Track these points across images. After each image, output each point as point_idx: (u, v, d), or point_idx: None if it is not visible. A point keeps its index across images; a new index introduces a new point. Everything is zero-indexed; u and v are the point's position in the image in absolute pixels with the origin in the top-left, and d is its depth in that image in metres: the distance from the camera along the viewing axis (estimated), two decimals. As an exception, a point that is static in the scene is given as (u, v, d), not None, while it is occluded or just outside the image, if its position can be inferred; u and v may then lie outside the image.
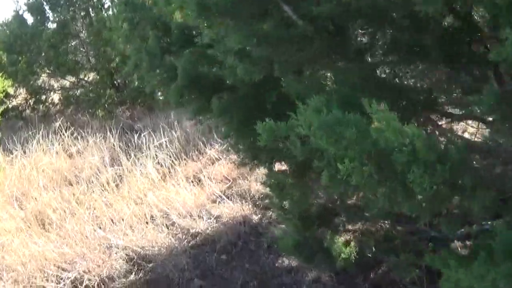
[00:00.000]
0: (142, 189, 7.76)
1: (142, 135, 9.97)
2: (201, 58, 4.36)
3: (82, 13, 12.51)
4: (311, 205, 4.84)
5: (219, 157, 8.93)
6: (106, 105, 12.36)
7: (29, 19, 13.13)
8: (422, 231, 4.69)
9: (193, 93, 4.35)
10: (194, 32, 4.70)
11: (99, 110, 12.32)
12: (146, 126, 10.91)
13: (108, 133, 9.92)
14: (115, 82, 12.90)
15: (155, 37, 4.72)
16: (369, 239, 4.89)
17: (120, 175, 8.31)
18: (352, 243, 4.71)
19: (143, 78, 5.36)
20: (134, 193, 7.67)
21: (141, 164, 8.49)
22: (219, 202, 7.48)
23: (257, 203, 7.36)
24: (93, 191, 7.84)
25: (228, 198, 7.51)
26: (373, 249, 4.80)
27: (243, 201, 7.44)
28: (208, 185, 7.94)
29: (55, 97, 13.96)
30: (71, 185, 8.41)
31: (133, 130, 11.13)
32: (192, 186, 8.02)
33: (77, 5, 12.49)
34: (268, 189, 5.07)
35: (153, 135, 9.73)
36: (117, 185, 7.99)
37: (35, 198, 7.84)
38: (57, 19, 12.71)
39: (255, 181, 7.87)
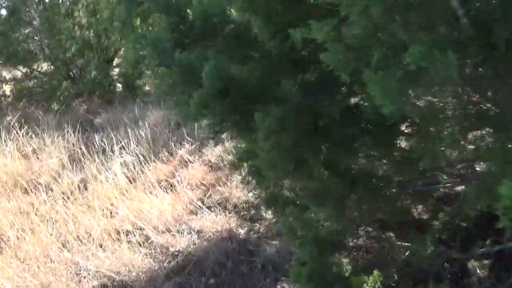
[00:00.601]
0: (110, 198, 6.68)
1: (104, 133, 8.90)
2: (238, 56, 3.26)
3: (35, -2, 11.20)
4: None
5: (192, 159, 7.91)
6: (61, 97, 11.14)
7: (-21, 5, 11.73)
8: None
9: (224, 104, 3.19)
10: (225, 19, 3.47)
11: (55, 104, 11.09)
12: (108, 122, 9.80)
13: (66, 131, 8.74)
14: (70, 73, 11.67)
15: (166, 25, 3.48)
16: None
17: (84, 181, 7.21)
18: (375, 272, 3.78)
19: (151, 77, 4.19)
20: (101, 203, 6.60)
21: (106, 169, 7.41)
22: (198, 213, 6.50)
23: (242, 213, 6.42)
24: (54, 201, 6.75)
25: (208, 208, 6.55)
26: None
27: (226, 212, 6.49)
28: (184, 192, 6.96)
29: (7, 88, 12.60)
30: (28, 192, 7.29)
31: (93, 126, 10.02)
32: (165, 193, 7.00)
33: (29, -11, 11.18)
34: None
35: (116, 133, 8.66)
36: (80, 193, 6.89)
37: (-14, 210, 6.71)
38: (8, 5, 11.34)
39: (236, 188, 6.90)
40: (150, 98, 11.85)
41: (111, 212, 6.56)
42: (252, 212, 6.48)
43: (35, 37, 11.87)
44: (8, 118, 10.82)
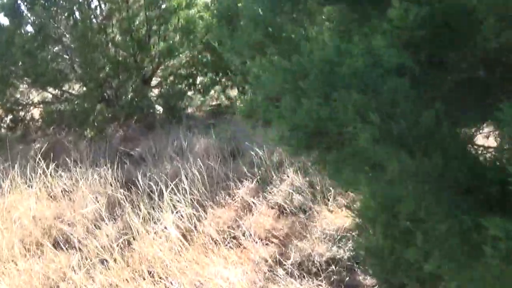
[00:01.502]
0: (161, 260, 5.00)
1: (146, 166, 7.24)
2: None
3: (65, 13, 9.48)
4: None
5: (256, 201, 6.22)
6: (95, 122, 9.47)
7: (6, 22, 10.02)
8: None
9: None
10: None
11: (88, 129, 9.42)
12: (149, 152, 8.13)
13: (103, 166, 7.05)
14: (105, 94, 9.99)
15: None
16: None
17: (126, 236, 5.53)
18: None
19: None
20: (149, 267, 4.94)
21: (153, 219, 5.73)
22: (276, 279, 4.77)
23: (332, 278, 4.75)
24: (90, 265, 5.08)
25: (288, 274, 4.82)
26: None
27: (311, 276, 4.78)
28: (253, 247, 5.25)
29: (36, 112, 10.94)
30: (57, 248, 5.61)
31: (132, 157, 8.34)
32: (229, 248, 5.31)
33: (59, 4, 9.48)
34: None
35: (161, 168, 7.03)
36: (123, 253, 5.21)
37: (8, 274, 5.08)
38: (35, 21, 9.65)
39: (318, 241, 5.23)
40: (196, 122, 10.16)
41: (160, 278, 4.87)
42: (346, 277, 4.82)
43: (65, 56, 10.19)
44: (36, 146, 9.21)
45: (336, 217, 5.74)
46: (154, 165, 7.57)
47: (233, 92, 11.86)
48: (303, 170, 7.03)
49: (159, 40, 10.06)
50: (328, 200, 6.11)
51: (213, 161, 7.42)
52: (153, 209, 5.82)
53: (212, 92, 11.30)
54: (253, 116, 3.69)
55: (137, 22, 9.45)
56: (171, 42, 10.05)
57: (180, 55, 10.53)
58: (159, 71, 10.56)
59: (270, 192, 6.56)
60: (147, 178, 6.96)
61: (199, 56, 10.79)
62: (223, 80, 11.35)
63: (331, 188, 6.27)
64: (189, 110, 11.04)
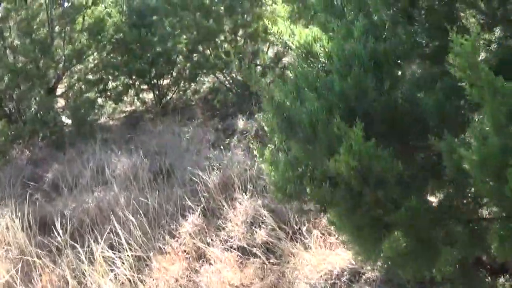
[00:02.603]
0: None
1: (61, 197, 5.66)
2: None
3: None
4: None
5: (209, 241, 4.82)
6: (-4, 144, 7.62)
7: None
8: None
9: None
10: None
11: (-13, 153, 7.58)
12: (63, 179, 6.46)
13: (10, 207, 5.39)
14: (5, 109, 8.12)
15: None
16: None
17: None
18: None
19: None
20: None
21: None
22: None
23: None
24: None
25: None
26: None
27: None
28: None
29: None
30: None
31: (42, 187, 6.62)
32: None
33: None
34: None
35: (79, 200, 5.48)
36: None
37: None
38: None
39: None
40: (111, 133, 8.52)
41: None
42: None
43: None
44: None
45: (319, 260, 4.39)
46: (71, 198, 5.95)
47: (149, 96, 10.27)
48: (259, 193, 5.64)
49: (64, 43, 8.32)
50: (302, 235, 4.76)
51: (142, 186, 5.93)
52: (83, 274, 4.24)
53: (125, 97, 9.66)
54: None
55: (37, 22, 7.68)
56: (77, 44, 8.34)
57: (88, 58, 8.83)
58: (64, 78, 8.81)
59: (222, 228, 5.14)
60: (66, 217, 5.37)
61: (109, 57, 9.13)
62: (137, 83, 9.73)
63: (300, 218, 4.93)
64: (101, 119, 9.36)
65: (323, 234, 4.88)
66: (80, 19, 8.44)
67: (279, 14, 3.20)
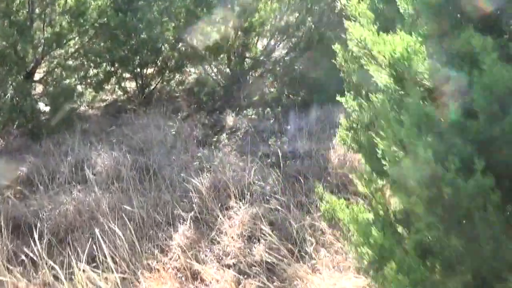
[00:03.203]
0: None
1: (40, 209, 5.07)
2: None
3: None
4: None
5: (201, 257, 4.28)
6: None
7: None
8: None
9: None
10: None
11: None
12: (37, 175, 5.83)
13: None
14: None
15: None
16: None
17: None
18: None
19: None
20: None
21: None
22: None
23: None
24: None
25: None
26: None
27: None
28: None
29: None
30: None
31: (17, 180, 5.98)
32: None
33: None
34: None
35: (57, 206, 4.90)
36: None
37: None
38: None
39: None
40: (91, 124, 7.89)
41: None
42: None
43: None
44: None
45: (329, 285, 3.88)
46: (47, 197, 5.33)
47: (131, 84, 9.63)
48: (255, 201, 5.11)
49: (44, 25, 7.64)
50: (307, 255, 4.25)
51: (126, 187, 5.35)
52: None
53: (105, 85, 9.00)
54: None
55: (17, 3, 7.00)
56: (58, 27, 7.66)
57: (69, 42, 8.17)
58: (43, 62, 8.13)
59: (217, 242, 4.59)
60: (42, 221, 4.77)
61: (91, 43, 8.47)
62: (119, 71, 9.08)
63: (306, 233, 4.43)
64: (81, 108, 8.70)
65: (330, 252, 4.38)
66: (62, 1, 7.76)
67: (352, 12, 2.51)
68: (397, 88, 1.97)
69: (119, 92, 9.57)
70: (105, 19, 8.19)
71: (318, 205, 5.02)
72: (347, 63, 3.23)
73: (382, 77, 1.96)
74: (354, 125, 3.22)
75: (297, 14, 9.54)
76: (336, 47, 3.33)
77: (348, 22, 2.19)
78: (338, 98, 3.53)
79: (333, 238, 4.49)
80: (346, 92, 3.43)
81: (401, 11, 2.16)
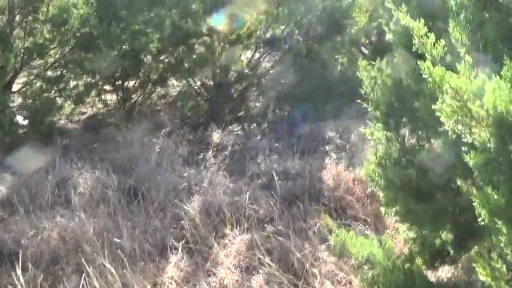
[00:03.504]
0: None
1: (21, 234, 4.76)
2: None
3: None
4: None
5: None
6: None
7: None
8: None
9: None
10: None
11: None
12: (17, 196, 5.50)
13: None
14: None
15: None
16: None
17: None
18: None
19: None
20: None
21: None
22: None
23: None
24: None
25: None
26: None
27: None
28: None
29: None
30: None
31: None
32: None
33: None
34: None
35: (38, 231, 4.61)
36: None
37: None
38: None
39: None
40: (71, 139, 7.54)
41: None
42: None
43: None
44: None
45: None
46: (28, 222, 4.99)
47: (112, 97, 9.27)
48: (253, 226, 4.83)
49: (25, 34, 7.27)
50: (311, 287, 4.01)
51: (113, 211, 5.05)
52: None
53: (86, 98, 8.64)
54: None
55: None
56: (39, 36, 7.30)
57: (50, 52, 7.80)
58: (22, 72, 7.75)
59: (213, 273, 4.30)
60: (24, 249, 4.44)
61: (72, 53, 8.11)
62: (100, 83, 8.72)
63: (308, 262, 4.18)
64: (60, 121, 8.34)
65: (334, 284, 4.14)
66: (44, 8, 7.38)
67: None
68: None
69: (99, 105, 9.20)
70: (87, 29, 7.83)
71: (316, 231, 4.78)
72: (375, 92, 2.96)
73: (479, 134, 1.69)
74: (383, 161, 2.96)
75: (283, 27, 9.32)
76: (362, 74, 3.06)
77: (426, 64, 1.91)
78: (361, 129, 3.27)
79: (335, 267, 4.24)
80: (371, 123, 3.16)
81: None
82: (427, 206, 2.80)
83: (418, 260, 2.99)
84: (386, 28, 2.95)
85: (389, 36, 2.88)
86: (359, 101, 3.21)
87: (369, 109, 3.08)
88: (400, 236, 3.66)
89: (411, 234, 3.15)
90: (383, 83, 2.91)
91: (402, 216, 3.01)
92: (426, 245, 3.01)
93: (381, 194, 3.03)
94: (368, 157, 3.15)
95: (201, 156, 7.13)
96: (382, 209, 3.09)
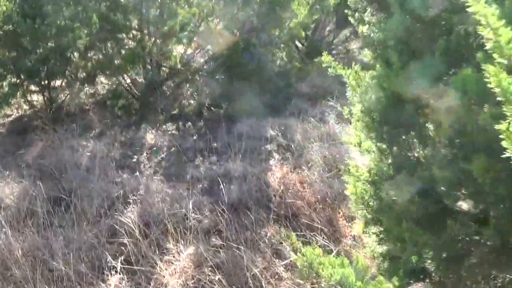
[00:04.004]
0: None
1: None
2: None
3: None
4: None
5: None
6: None
7: None
8: None
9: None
10: None
11: None
12: None
13: None
14: None
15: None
16: None
17: None
18: None
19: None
20: None
21: None
22: None
23: None
24: None
25: None
26: None
27: None
28: None
29: None
30: None
31: None
32: None
33: None
34: None
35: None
36: None
37: None
38: None
39: None
40: None
41: None
42: None
43: None
44: None
45: None
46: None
47: (38, 98, 8.68)
48: (198, 237, 4.50)
49: None
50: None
51: (42, 223, 4.60)
52: None
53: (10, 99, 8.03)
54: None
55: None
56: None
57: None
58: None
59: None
60: None
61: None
62: (25, 83, 8.14)
63: (264, 279, 3.88)
64: None
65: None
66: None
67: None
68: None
69: (25, 107, 8.62)
70: (11, 26, 7.28)
71: (267, 241, 4.49)
72: (369, 96, 2.58)
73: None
74: (376, 178, 2.61)
75: (217, 20, 8.95)
76: (346, 72, 2.71)
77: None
78: (343, 139, 2.91)
79: (293, 284, 3.96)
80: (355, 129, 2.78)
81: None
82: (433, 237, 2.44)
83: (394, 280, 2.70)
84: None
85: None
86: (331, 103, 2.89)
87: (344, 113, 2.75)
88: (365, 251, 3.39)
89: (380, 249, 2.87)
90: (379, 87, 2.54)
91: (385, 237, 2.71)
92: (402, 262, 2.72)
93: (367, 216, 2.70)
94: (353, 171, 2.82)
95: (134, 159, 6.72)
96: (358, 226, 2.79)
